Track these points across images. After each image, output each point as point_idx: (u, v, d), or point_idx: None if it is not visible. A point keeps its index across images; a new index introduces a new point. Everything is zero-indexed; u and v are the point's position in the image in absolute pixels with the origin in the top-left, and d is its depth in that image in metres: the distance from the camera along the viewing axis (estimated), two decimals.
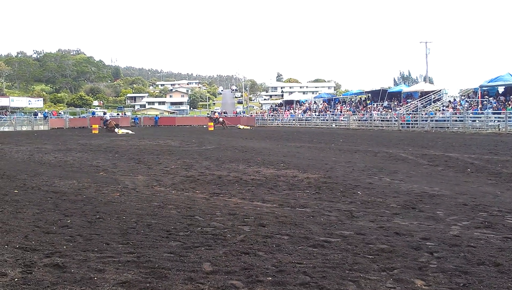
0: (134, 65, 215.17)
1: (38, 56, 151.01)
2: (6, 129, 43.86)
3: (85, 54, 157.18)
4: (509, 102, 32.91)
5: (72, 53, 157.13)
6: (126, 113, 76.18)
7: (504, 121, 30.47)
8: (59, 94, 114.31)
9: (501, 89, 35.91)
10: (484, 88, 36.10)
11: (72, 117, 60.50)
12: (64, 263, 4.35)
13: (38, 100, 70.31)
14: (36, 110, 63.24)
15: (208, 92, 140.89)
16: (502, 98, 34.37)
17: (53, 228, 5.83)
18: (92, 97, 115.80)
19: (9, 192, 8.67)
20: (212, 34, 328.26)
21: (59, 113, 66.71)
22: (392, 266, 4.31)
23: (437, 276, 4.03)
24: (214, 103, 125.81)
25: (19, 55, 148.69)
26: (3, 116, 51.59)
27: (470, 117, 33.89)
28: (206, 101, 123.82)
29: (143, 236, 5.43)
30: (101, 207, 7.27)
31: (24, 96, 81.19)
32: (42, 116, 54.93)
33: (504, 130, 29.62)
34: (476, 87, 37.32)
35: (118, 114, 70.29)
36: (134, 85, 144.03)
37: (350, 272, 4.15)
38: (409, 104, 42.26)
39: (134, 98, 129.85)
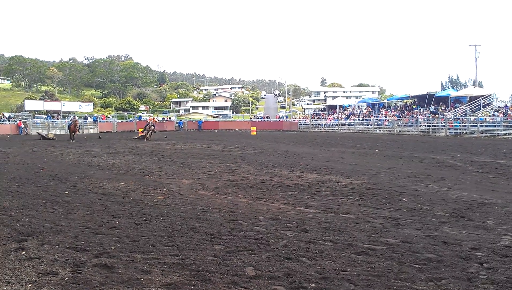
0: (179, 70, 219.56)
1: (89, 62, 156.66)
2: (58, 132, 45.67)
3: (133, 60, 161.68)
4: None
5: (121, 59, 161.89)
6: (171, 117, 77.83)
7: None
8: (108, 99, 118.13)
9: None
10: None
11: (120, 121, 62.36)
12: (112, 263, 4.50)
13: (88, 105, 72.84)
14: (86, 114, 65.61)
15: (251, 96, 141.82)
16: None
17: (102, 229, 6.03)
18: (139, 101, 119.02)
19: (61, 193, 9.03)
20: (255, 39, 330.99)
21: (108, 117, 68.98)
22: (440, 276, 4.19)
23: (487, 287, 3.90)
24: (257, 108, 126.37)
25: (70, 61, 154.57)
26: (55, 120, 53.84)
27: None
28: (249, 106, 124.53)
29: (187, 239, 5.52)
30: (147, 209, 7.46)
31: (75, 101, 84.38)
32: (92, 120, 56.95)
33: None
34: None
35: (163, 119, 71.80)
36: (179, 90, 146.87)
37: (395, 281, 4.07)
38: (457, 109, 40.93)
39: (179, 103, 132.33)
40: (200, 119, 68.55)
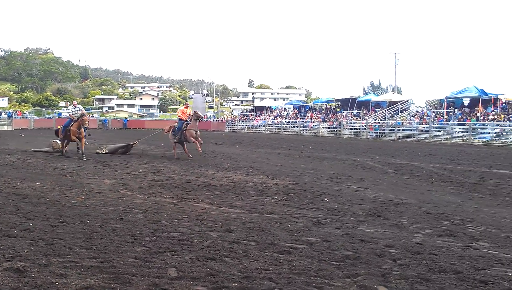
0: (104, 66, 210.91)
1: (5, 54, 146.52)
2: None
3: (53, 54, 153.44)
4: (474, 114, 33.96)
5: (40, 52, 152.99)
6: (94, 115, 74.76)
7: (468, 132, 31.47)
8: (24, 94, 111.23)
9: (466, 101, 37.01)
10: (450, 99, 37.15)
11: (37, 117, 58.98)
12: (24, 267, 4.24)
13: (3, 100, 68.29)
14: (0, 110, 61.37)
15: (179, 96, 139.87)
16: (467, 109, 35.44)
17: (14, 231, 5.66)
18: (59, 97, 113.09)
19: None
20: (184, 38, 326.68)
21: (24, 113, 64.93)
22: (356, 273, 4.37)
23: (399, 283, 4.12)
24: None
25: None
26: None
27: (436, 128, 34.80)
28: (177, 105, 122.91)
29: (107, 241, 5.33)
30: (64, 210, 7.10)
31: None
32: (6, 116, 53.34)
33: (467, 141, 30.53)
34: (442, 99, 38.37)
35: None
36: (103, 87, 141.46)
37: (315, 278, 4.19)
38: (378, 113, 43.05)
39: (103, 100, 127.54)
40: (125, 118, 66.57)
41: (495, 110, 33.28)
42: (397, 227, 6.54)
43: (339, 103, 50.37)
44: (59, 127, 18.84)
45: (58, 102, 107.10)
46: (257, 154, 19.65)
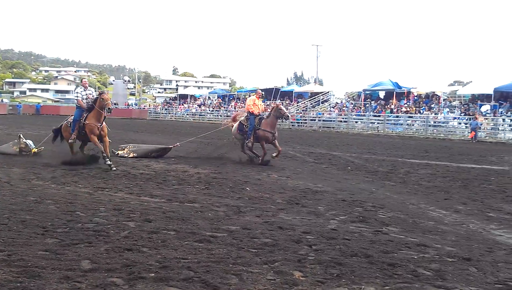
0: (15, 48, 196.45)
1: None
2: None
3: None
4: (388, 106, 35.94)
5: None
6: (4, 100, 69.65)
7: (382, 123, 33.28)
8: None
9: (382, 94, 39.07)
10: (367, 91, 39.03)
11: None
12: None
13: None
14: None
15: (98, 81, 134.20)
16: (382, 102, 37.40)
17: None
18: None
19: None
20: (104, 21, 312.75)
21: None
22: (274, 259, 4.48)
23: (314, 267, 4.28)
24: None
25: None
26: None
27: (354, 119, 36.45)
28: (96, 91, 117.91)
29: (15, 233, 5.02)
30: None
31: None
32: None
33: (382, 131, 32.29)
34: (360, 91, 40.20)
35: None
36: (14, 70, 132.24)
37: (233, 266, 4.23)
38: (300, 103, 44.19)
39: (14, 84, 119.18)
40: (38, 103, 62.77)
41: (408, 103, 35.48)
42: (314, 214, 6.78)
43: (263, 93, 50.95)
44: (68, 121, 11.81)
45: None
46: (179, 143, 19.35)
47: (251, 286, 3.76)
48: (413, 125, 33.12)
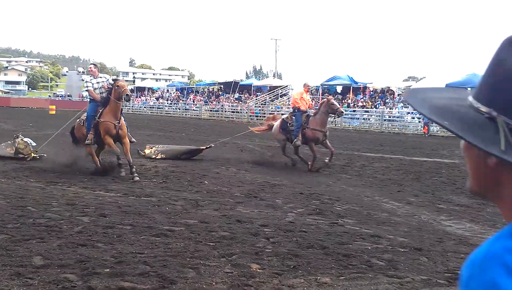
0: None
1: None
2: None
3: None
4: (345, 101, 36.59)
5: None
6: None
7: (340, 117, 33.86)
8: None
9: (339, 88, 39.67)
10: (324, 86, 39.52)
11: None
12: None
13: None
14: None
15: (51, 72, 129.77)
16: (340, 96, 38.01)
17: None
18: None
19: None
20: (57, 11, 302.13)
21: None
22: (232, 252, 4.49)
23: (271, 259, 4.32)
24: (57, 85, 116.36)
25: None
26: None
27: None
28: (48, 82, 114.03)
29: None
30: None
31: None
32: None
33: (339, 125, 32.89)
34: (318, 85, 40.68)
35: None
36: None
37: (191, 259, 4.21)
38: (259, 97, 44.31)
39: None
40: None
41: (364, 98, 36.25)
42: (272, 207, 6.84)
43: (222, 86, 50.78)
44: (82, 119, 9.74)
45: None
46: (136, 136, 18.95)
47: (208, 279, 3.77)
48: (369, 119, 33.89)
